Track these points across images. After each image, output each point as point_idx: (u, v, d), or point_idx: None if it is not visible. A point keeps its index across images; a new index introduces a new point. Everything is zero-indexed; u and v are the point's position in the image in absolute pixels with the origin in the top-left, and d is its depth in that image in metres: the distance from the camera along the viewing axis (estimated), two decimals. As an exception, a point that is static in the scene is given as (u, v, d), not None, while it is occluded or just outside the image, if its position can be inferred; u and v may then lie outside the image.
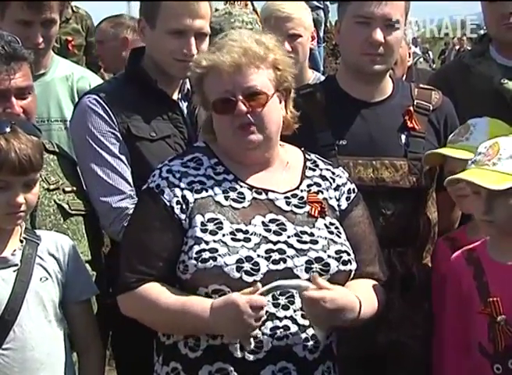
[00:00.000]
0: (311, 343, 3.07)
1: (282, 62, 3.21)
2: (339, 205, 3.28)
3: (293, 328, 3.04)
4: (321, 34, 10.56)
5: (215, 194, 3.13)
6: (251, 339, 2.97)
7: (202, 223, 3.07)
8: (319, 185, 3.27)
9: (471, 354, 3.43)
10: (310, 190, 3.24)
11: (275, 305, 3.01)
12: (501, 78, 4.08)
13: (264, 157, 3.22)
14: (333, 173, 3.34)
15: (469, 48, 8.03)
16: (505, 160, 3.31)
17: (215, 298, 3.01)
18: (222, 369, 3.02)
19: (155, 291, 3.06)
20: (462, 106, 3.87)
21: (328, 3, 14.33)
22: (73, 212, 3.59)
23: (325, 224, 3.18)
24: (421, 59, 21.15)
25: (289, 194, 3.20)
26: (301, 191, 3.23)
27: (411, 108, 3.75)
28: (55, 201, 3.54)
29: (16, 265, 3.12)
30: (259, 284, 2.95)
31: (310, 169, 3.31)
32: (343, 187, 3.32)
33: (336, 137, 3.66)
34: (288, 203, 3.18)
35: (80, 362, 3.26)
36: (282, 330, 3.03)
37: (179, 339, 3.09)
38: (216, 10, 4.58)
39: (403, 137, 3.71)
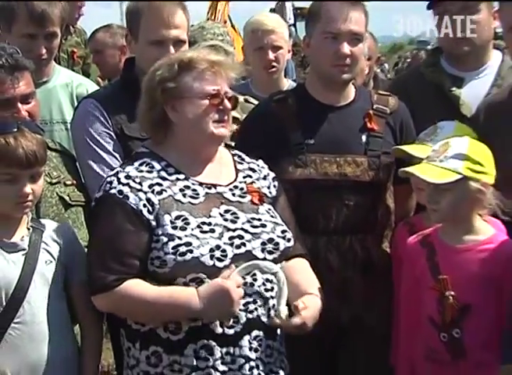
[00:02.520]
0: (272, 312, 3.09)
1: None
2: (270, 193, 3.31)
3: (260, 301, 3.08)
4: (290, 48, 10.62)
5: (174, 194, 3.11)
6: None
7: (171, 221, 3.04)
8: (251, 176, 3.30)
9: (422, 325, 3.47)
10: (245, 181, 3.26)
11: (244, 284, 3.02)
12: (450, 86, 4.07)
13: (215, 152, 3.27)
14: (258, 165, 3.37)
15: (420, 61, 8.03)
16: (450, 158, 3.35)
17: (192, 286, 3.00)
18: (205, 346, 3.02)
19: (137, 287, 3.02)
20: (418, 110, 3.88)
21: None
22: (73, 203, 3.57)
23: (266, 210, 3.22)
24: (378, 70, 21.24)
25: (231, 186, 3.22)
26: (239, 182, 3.25)
27: (371, 111, 3.74)
28: (57, 193, 3.52)
29: (24, 249, 3.11)
30: (233, 266, 2.99)
31: (238, 163, 3.33)
32: (269, 177, 3.36)
33: (305, 136, 3.65)
34: (233, 194, 3.20)
35: (82, 334, 3.25)
36: (252, 304, 3.05)
37: (157, 325, 3.06)
38: (192, 25, 4.61)
39: (364, 137, 3.71)
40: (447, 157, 3.36)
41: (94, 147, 3.68)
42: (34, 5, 4.01)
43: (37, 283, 3.10)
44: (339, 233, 3.60)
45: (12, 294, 3.04)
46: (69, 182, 3.60)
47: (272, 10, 14.26)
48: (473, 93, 4.04)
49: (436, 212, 3.41)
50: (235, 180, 3.25)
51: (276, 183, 3.37)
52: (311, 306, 3.11)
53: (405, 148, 3.66)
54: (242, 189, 3.23)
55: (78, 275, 3.20)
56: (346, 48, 3.62)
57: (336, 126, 3.69)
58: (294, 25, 15.54)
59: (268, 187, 3.32)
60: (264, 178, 3.34)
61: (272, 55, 4.79)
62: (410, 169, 3.44)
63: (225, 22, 12.07)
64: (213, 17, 12.09)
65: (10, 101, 3.38)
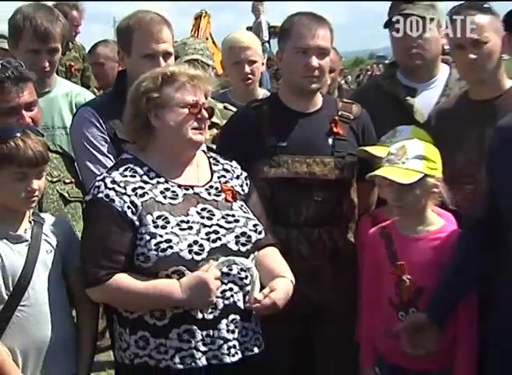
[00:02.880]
0: (247, 298, 3.12)
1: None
2: (243, 190, 3.32)
3: (236, 288, 3.09)
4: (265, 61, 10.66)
5: (156, 196, 3.11)
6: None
7: (153, 221, 3.05)
8: (225, 176, 3.30)
9: (382, 306, 3.51)
10: (220, 181, 3.26)
11: (221, 274, 3.04)
12: (405, 96, 4.12)
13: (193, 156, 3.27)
14: (231, 166, 3.37)
15: (378, 73, 8.07)
16: (411, 159, 3.38)
17: (174, 277, 3.02)
18: (188, 330, 3.04)
19: (126, 280, 3.04)
20: (377, 116, 3.90)
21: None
22: (72, 199, 3.58)
23: (239, 206, 3.22)
24: (342, 81, 21.35)
25: (207, 186, 3.22)
26: (214, 182, 3.25)
27: (336, 117, 3.76)
28: (57, 190, 3.53)
29: (27, 240, 3.12)
30: (211, 261, 3.01)
31: (214, 164, 3.33)
32: (242, 176, 3.36)
33: (278, 140, 3.67)
34: (209, 193, 3.20)
35: (78, 316, 3.27)
36: (228, 291, 3.07)
37: (145, 312, 3.08)
38: (176, 41, 4.63)
39: (330, 140, 3.73)
40: (408, 159, 3.39)
41: (91, 149, 3.68)
42: (38, 23, 4.02)
43: (40, 271, 3.11)
44: (309, 225, 3.61)
45: (18, 280, 3.05)
46: (68, 180, 3.60)
47: (249, 28, 14.25)
48: (425, 102, 4.09)
49: (401, 208, 3.44)
50: (210, 180, 3.25)
51: (248, 181, 3.37)
52: (280, 288, 3.12)
53: (367, 148, 3.71)
54: (217, 188, 3.23)
55: (75, 263, 3.21)
56: (314, 62, 3.65)
57: (305, 131, 3.71)
58: (268, 41, 15.53)
59: (241, 186, 3.33)
60: (237, 177, 3.34)
61: (248, 69, 4.80)
62: (378, 172, 3.47)
63: (207, 38, 12.13)
64: (196, 34, 12.13)
65: (15, 108, 3.40)
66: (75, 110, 4.12)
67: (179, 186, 3.17)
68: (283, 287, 3.15)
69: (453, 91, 4.08)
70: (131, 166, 3.18)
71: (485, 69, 3.64)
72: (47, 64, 4.08)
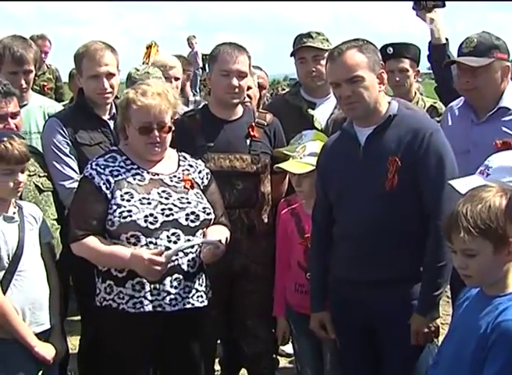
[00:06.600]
0: (191, 262, 3.14)
1: (176, 106, 3.27)
2: (202, 183, 3.32)
3: (181, 254, 3.11)
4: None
5: (127, 177, 3.14)
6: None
7: (121, 195, 3.08)
8: (189, 170, 3.31)
9: (293, 269, 3.55)
10: (183, 173, 3.28)
11: (169, 241, 3.07)
12: (306, 108, 4.17)
13: (161, 157, 3.27)
14: (196, 163, 3.38)
15: (287, 90, 8.06)
16: (307, 156, 3.45)
17: (132, 241, 3.04)
18: (139, 282, 3.08)
19: (94, 242, 3.07)
20: (285, 124, 3.93)
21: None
22: (45, 189, 3.57)
23: (194, 193, 3.23)
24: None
25: (171, 175, 3.24)
26: (178, 173, 3.26)
27: (253, 123, 3.78)
28: (33, 182, 3.52)
29: (17, 221, 3.15)
30: (162, 248, 3.01)
31: (181, 160, 3.34)
32: (203, 171, 3.36)
33: (207, 141, 3.68)
34: (171, 180, 3.21)
35: (47, 277, 3.25)
36: (174, 256, 3.07)
37: (110, 267, 3.13)
38: (138, 70, 4.55)
39: (248, 141, 3.75)
40: (305, 155, 3.46)
41: (57, 151, 3.66)
42: (15, 50, 3.99)
43: (27, 243, 3.13)
44: (231, 207, 3.60)
45: (15, 251, 3.08)
46: (42, 174, 3.59)
47: (183, 57, 14.20)
48: (322, 113, 4.13)
49: (301, 193, 3.50)
50: (175, 171, 3.27)
51: (209, 176, 3.37)
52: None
53: (281, 149, 3.72)
54: (179, 178, 3.24)
55: (44, 238, 3.26)
56: (235, 82, 3.66)
57: (228, 134, 3.71)
58: (204, 67, 15.43)
59: (201, 178, 3.31)
60: (200, 172, 3.32)
61: (174, 83, 4.75)
62: (280, 165, 3.54)
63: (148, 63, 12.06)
64: (147, 61, 12.02)
65: (3, 116, 3.42)
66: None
67: (148, 172, 3.19)
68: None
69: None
70: (114, 154, 3.22)
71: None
72: (23, 82, 4.03)
